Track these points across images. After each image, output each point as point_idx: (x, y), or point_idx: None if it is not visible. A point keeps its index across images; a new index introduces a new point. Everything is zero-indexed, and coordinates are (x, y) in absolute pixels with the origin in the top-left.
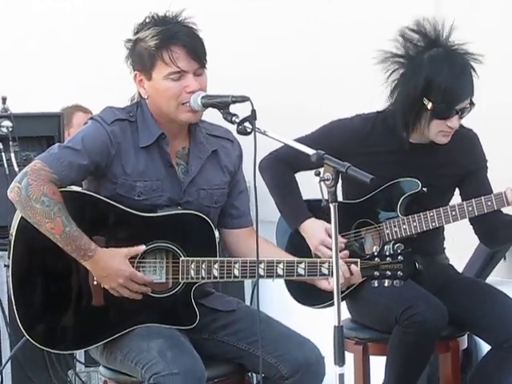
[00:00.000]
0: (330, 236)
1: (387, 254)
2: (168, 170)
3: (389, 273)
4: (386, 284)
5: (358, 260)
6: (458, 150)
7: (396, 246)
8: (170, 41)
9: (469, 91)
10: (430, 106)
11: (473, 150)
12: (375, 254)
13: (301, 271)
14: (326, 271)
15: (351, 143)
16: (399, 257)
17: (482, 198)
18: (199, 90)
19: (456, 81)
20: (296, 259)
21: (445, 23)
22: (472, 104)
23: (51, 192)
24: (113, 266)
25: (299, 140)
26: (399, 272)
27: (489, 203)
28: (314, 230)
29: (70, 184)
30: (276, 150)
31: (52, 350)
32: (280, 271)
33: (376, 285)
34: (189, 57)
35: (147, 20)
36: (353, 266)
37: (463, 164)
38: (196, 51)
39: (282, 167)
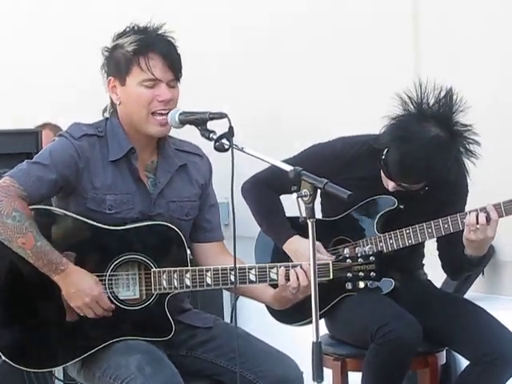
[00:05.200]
0: (319, 252)
1: (359, 255)
2: (138, 184)
3: (362, 274)
4: (361, 286)
5: (330, 261)
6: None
7: (367, 247)
8: (149, 48)
9: (413, 181)
10: (381, 159)
11: (457, 183)
12: (347, 256)
13: (273, 276)
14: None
15: (333, 169)
16: (371, 257)
17: (457, 215)
18: (171, 100)
19: (405, 166)
20: (268, 264)
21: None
22: (423, 188)
23: (21, 207)
24: (83, 283)
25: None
26: (372, 273)
27: (464, 220)
28: (304, 248)
29: (39, 200)
30: (258, 172)
31: (30, 370)
32: (252, 277)
33: (350, 287)
34: (165, 66)
35: (127, 30)
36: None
37: (445, 191)
38: (173, 62)
39: (264, 189)
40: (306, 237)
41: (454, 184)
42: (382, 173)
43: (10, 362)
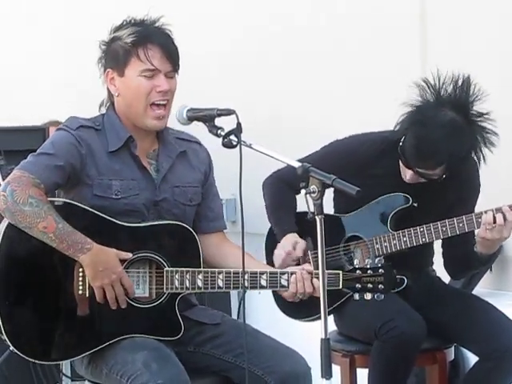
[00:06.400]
0: (294, 249)
1: (368, 266)
2: (142, 171)
3: (370, 285)
4: (368, 297)
5: (340, 272)
6: (457, 178)
7: (377, 259)
8: (147, 39)
9: (429, 165)
10: (398, 147)
11: (469, 181)
12: (356, 267)
13: (284, 282)
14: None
15: (351, 166)
16: (380, 270)
17: (473, 214)
18: (169, 90)
19: (421, 149)
20: (279, 270)
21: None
22: (441, 177)
23: (37, 193)
24: (110, 261)
25: (299, 161)
26: (380, 285)
27: (479, 220)
28: (285, 240)
29: (53, 187)
30: (279, 169)
31: (38, 361)
32: (263, 282)
33: (357, 298)
34: (163, 57)
35: (124, 23)
36: (315, 280)
37: (457, 192)
38: (170, 53)
39: (282, 185)
40: (313, 232)
41: (467, 182)
42: (400, 163)
43: (19, 353)
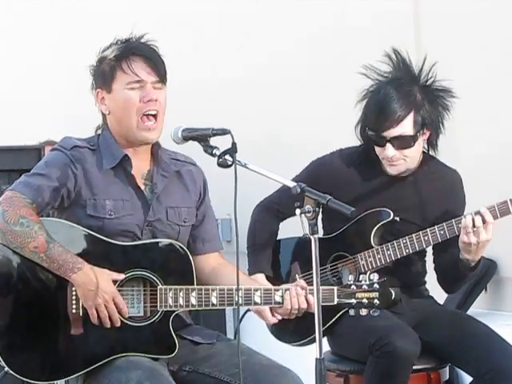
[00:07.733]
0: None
1: (363, 282)
2: (136, 191)
3: (366, 301)
4: (363, 313)
5: (335, 288)
6: (440, 190)
7: (372, 275)
8: (130, 51)
9: (394, 119)
10: (367, 131)
11: (454, 192)
12: (350, 283)
13: (278, 299)
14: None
15: (332, 182)
16: (375, 285)
17: (453, 220)
18: (156, 100)
19: (380, 106)
20: (273, 287)
21: (425, 62)
22: (412, 137)
23: (28, 213)
24: (101, 281)
25: None
26: (376, 300)
27: (459, 225)
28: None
29: (45, 207)
30: (267, 197)
31: (32, 381)
32: (257, 299)
33: (353, 313)
34: (148, 67)
35: (111, 44)
36: (309, 296)
37: (442, 204)
38: (155, 64)
39: (268, 218)
40: (300, 254)
41: (451, 194)
42: (379, 157)
43: (14, 374)
